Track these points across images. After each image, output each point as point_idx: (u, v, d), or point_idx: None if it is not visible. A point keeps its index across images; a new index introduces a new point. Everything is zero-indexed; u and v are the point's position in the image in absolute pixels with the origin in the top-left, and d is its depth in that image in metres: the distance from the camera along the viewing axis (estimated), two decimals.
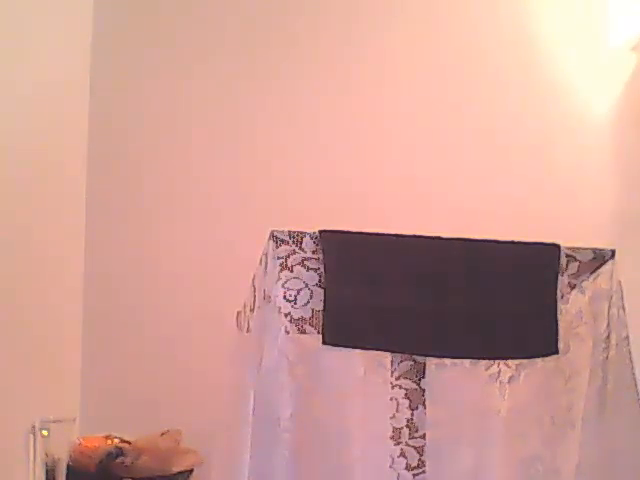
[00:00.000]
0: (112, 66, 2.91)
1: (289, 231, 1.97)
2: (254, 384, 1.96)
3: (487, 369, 1.96)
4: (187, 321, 2.75)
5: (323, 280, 1.96)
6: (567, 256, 1.97)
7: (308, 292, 1.96)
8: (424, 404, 1.97)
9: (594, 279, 1.97)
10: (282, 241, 1.96)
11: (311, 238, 1.97)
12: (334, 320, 1.95)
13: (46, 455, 2.53)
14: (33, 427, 2.50)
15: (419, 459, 1.98)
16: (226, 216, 2.78)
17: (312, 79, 2.78)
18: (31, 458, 2.49)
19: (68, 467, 2.56)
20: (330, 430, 1.95)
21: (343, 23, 2.78)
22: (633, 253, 2.25)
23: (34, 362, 2.53)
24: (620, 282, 1.97)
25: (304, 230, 1.97)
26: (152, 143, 2.88)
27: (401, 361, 1.97)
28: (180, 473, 2.53)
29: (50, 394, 2.62)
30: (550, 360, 1.96)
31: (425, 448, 1.97)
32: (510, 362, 1.96)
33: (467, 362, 1.96)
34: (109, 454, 2.50)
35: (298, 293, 1.96)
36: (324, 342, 1.94)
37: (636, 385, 1.96)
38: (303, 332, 1.96)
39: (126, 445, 2.54)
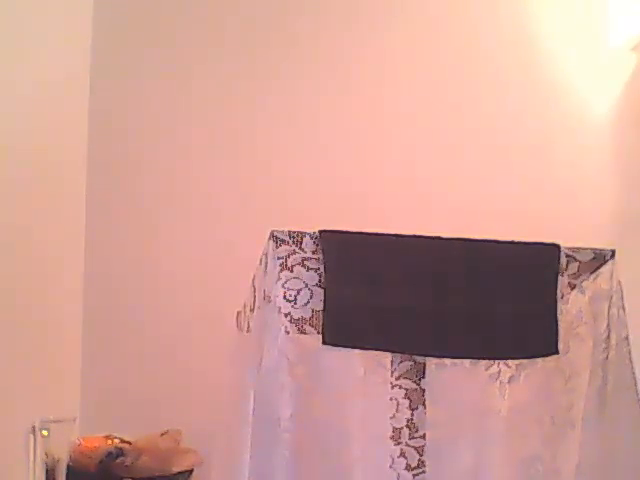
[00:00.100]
0: (112, 66, 2.91)
1: (289, 231, 1.97)
2: (254, 384, 1.96)
3: (487, 369, 1.96)
4: (187, 321, 2.75)
5: (323, 280, 1.96)
6: (567, 256, 1.97)
7: (308, 292, 1.96)
8: (424, 404, 1.97)
9: (594, 279, 1.97)
10: (282, 241, 1.96)
11: (311, 238, 1.97)
12: (334, 320, 1.95)
13: (46, 455, 2.53)
14: (33, 427, 2.50)
15: (419, 459, 1.97)
16: (226, 216, 2.78)
17: (312, 79, 2.78)
18: (31, 458, 2.49)
19: (68, 467, 2.56)
20: (330, 430, 1.94)
21: (343, 23, 2.78)
22: (633, 253, 2.25)
23: (34, 362, 2.53)
24: (620, 282, 1.97)
25: (304, 230, 1.97)
26: (152, 143, 2.88)
27: (401, 361, 1.97)
28: (180, 473, 2.53)
29: (50, 394, 2.62)
30: (550, 360, 1.96)
31: (425, 448, 1.97)
32: (510, 362, 1.96)
33: (467, 362, 1.96)
34: (109, 454, 2.50)
35: (298, 293, 1.96)
36: (324, 342, 1.94)
37: (636, 385, 1.96)
38: (303, 332, 1.95)
39: (126, 445, 2.54)
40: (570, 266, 1.97)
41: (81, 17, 2.87)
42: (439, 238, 1.98)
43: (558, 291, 1.96)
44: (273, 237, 1.96)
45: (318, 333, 1.95)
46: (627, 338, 1.96)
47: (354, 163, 2.71)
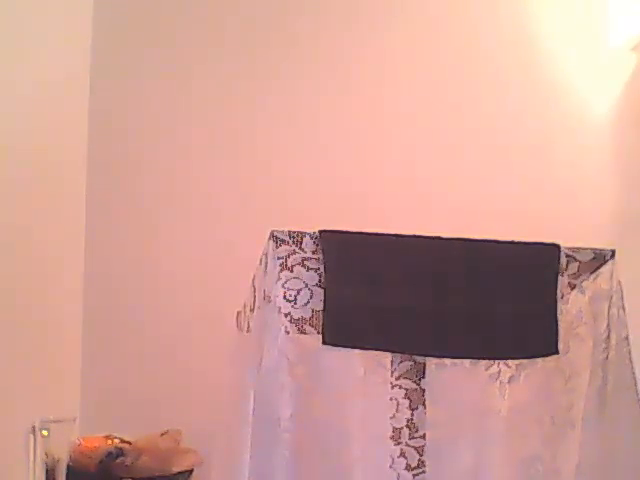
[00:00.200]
0: (112, 66, 2.91)
1: (289, 231, 1.97)
2: (254, 384, 1.96)
3: (487, 369, 1.96)
4: (187, 321, 2.75)
5: (323, 280, 1.96)
6: (567, 256, 1.97)
7: (308, 292, 1.96)
8: (424, 404, 1.97)
9: (594, 279, 1.97)
10: (282, 241, 1.96)
11: (311, 238, 1.97)
12: (334, 320, 1.95)
13: (46, 455, 2.53)
14: (33, 427, 2.49)
15: (419, 459, 1.97)
16: (226, 216, 2.78)
17: (312, 79, 2.78)
18: (31, 458, 2.49)
19: (68, 467, 2.56)
20: (330, 430, 1.94)
21: (343, 23, 2.78)
22: (633, 253, 2.25)
23: (34, 362, 2.53)
24: (620, 282, 1.97)
25: (304, 230, 1.97)
26: (152, 143, 2.88)
27: (401, 361, 1.97)
28: (180, 473, 2.53)
29: (50, 394, 2.62)
30: (550, 360, 1.96)
31: (425, 448, 1.97)
32: (510, 362, 1.96)
33: (467, 362, 1.96)
34: (109, 454, 2.50)
35: (298, 293, 1.96)
36: (324, 342, 1.94)
37: (636, 385, 1.96)
38: (303, 332, 1.95)
39: (126, 445, 2.54)
40: (570, 266, 1.97)
41: (81, 17, 2.87)
42: (439, 238, 1.98)
43: (558, 291, 1.96)
44: (273, 237, 1.96)
45: (318, 333, 1.95)
46: (627, 338, 1.96)
47: (354, 163, 2.71)
